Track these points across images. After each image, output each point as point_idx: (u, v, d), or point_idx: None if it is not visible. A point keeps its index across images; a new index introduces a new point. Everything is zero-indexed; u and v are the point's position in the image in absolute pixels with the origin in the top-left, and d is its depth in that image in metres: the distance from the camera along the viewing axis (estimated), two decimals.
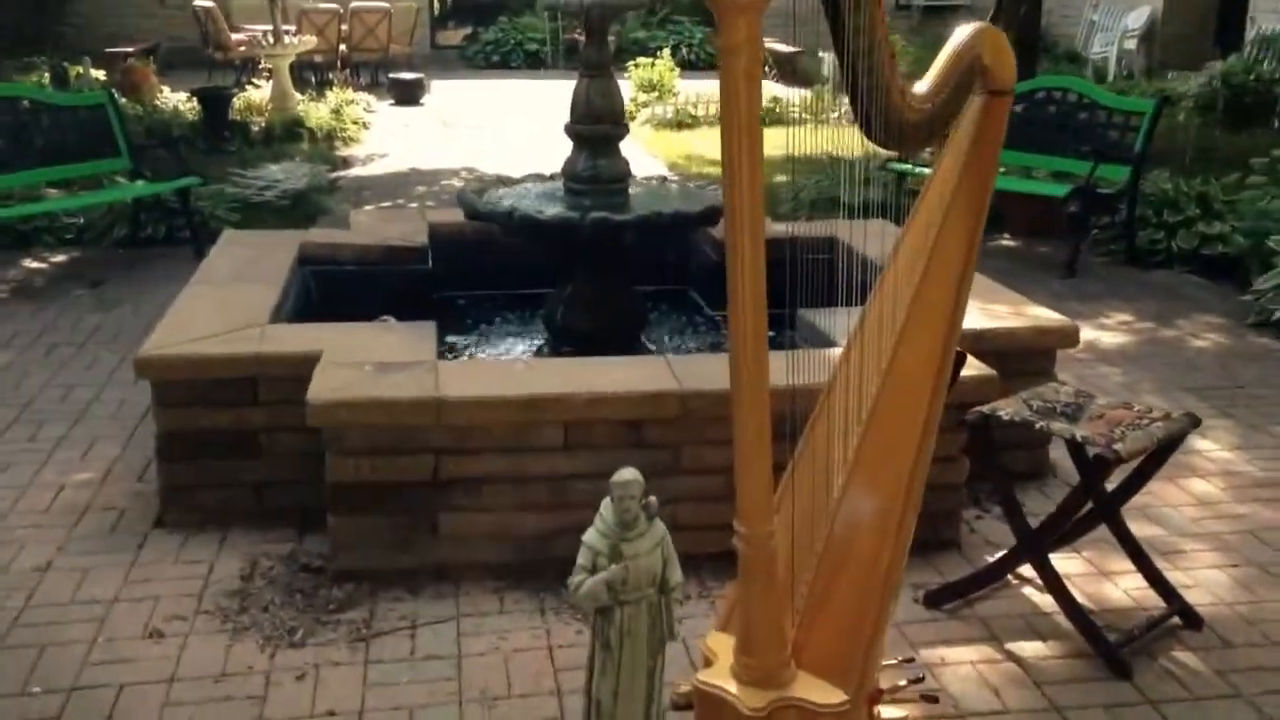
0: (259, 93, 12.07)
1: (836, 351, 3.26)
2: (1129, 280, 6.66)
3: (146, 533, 3.68)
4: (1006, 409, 3.10)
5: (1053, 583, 3.06)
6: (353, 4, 14.83)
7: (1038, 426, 3.02)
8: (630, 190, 4.53)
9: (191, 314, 3.98)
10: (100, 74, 12.24)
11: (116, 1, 16.58)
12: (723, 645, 2.41)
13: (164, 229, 7.10)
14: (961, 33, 2.76)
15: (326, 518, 3.41)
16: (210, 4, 14.29)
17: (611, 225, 4.17)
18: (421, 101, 13.89)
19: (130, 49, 13.93)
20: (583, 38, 4.51)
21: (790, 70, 15.41)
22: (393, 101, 13.73)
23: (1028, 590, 3.34)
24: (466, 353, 4.68)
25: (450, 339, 4.68)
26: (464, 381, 3.46)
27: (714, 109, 12.56)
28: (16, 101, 6.86)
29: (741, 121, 2.07)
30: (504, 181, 4.80)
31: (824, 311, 3.90)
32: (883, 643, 2.49)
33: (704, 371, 3.53)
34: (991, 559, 3.49)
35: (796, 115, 12.83)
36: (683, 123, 12.15)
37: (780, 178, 9.41)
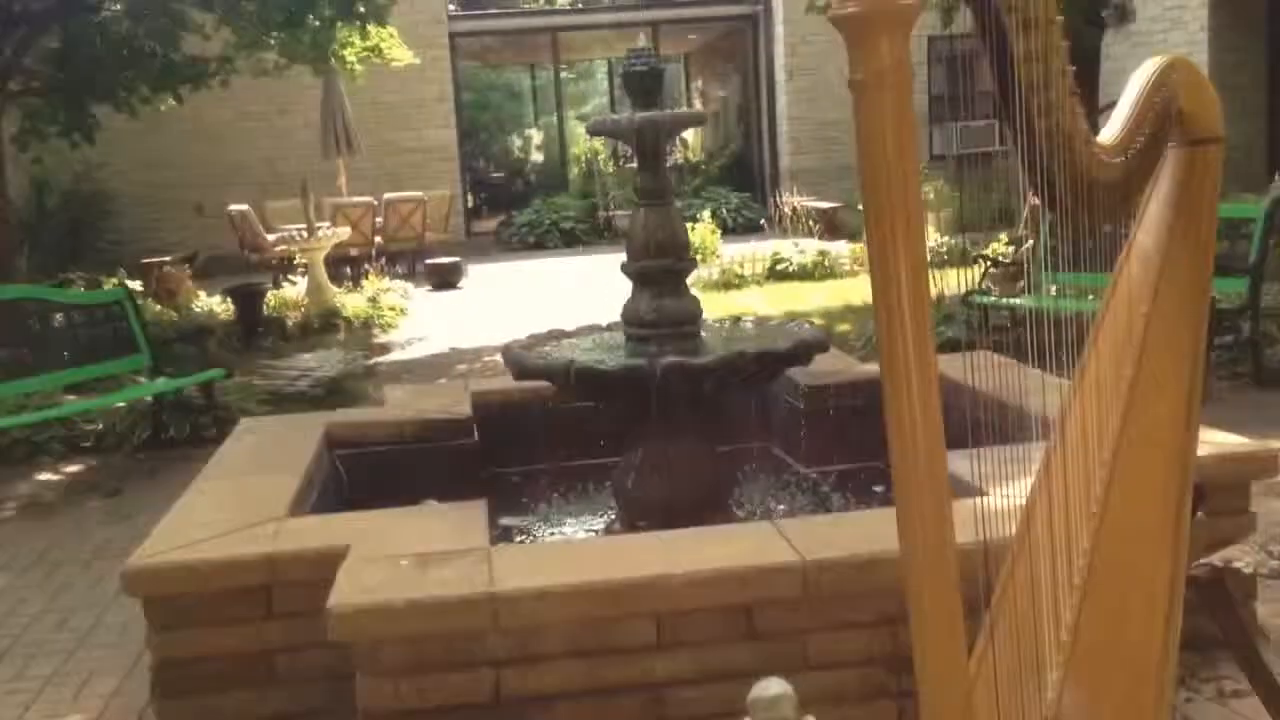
0: (294, 289, 11.77)
1: (1002, 500, 2.56)
2: (1265, 403, 5.88)
3: None
4: (1243, 559, 2.34)
5: None
6: (386, 195, 14.72)
7: None
8: (701, 334, 3.91)
9: (194, 514, 3.33)
10: (136, 284, 12.01)
11: (155, 214, 16.64)
12: None
13: (188, 427, 6.53)
14: (1146, 69, 2.14)
15: None
16: (245, 208, 14.21)
17: (689, 370, 3.52)
18: (459, 285, 13.57)
19: (167, 259, 13.79)
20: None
21: (830, 225, 15.05)
22: (430, 287, 13.41)
23: None
24: (524, 537, 3.98)
25: (504, 522, 3.98)
26: (526, 570, 2.76)
27: (760, 268, 12.12)
28: (28, 304, 6.42)
29: (890, 171, 1.47)
30: (555, 335, 4.18)
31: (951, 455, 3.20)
32: None
33: (826, 536, 2.82)
34: None
35: (847, 266, 12.39)
36: (729, 283, 11.69)
37: (843, 326, 8.85)
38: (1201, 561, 2.39)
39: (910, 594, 1.55)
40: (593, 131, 4.24)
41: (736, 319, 4.42)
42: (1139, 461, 2.03)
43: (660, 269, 3.77)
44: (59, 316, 6.51)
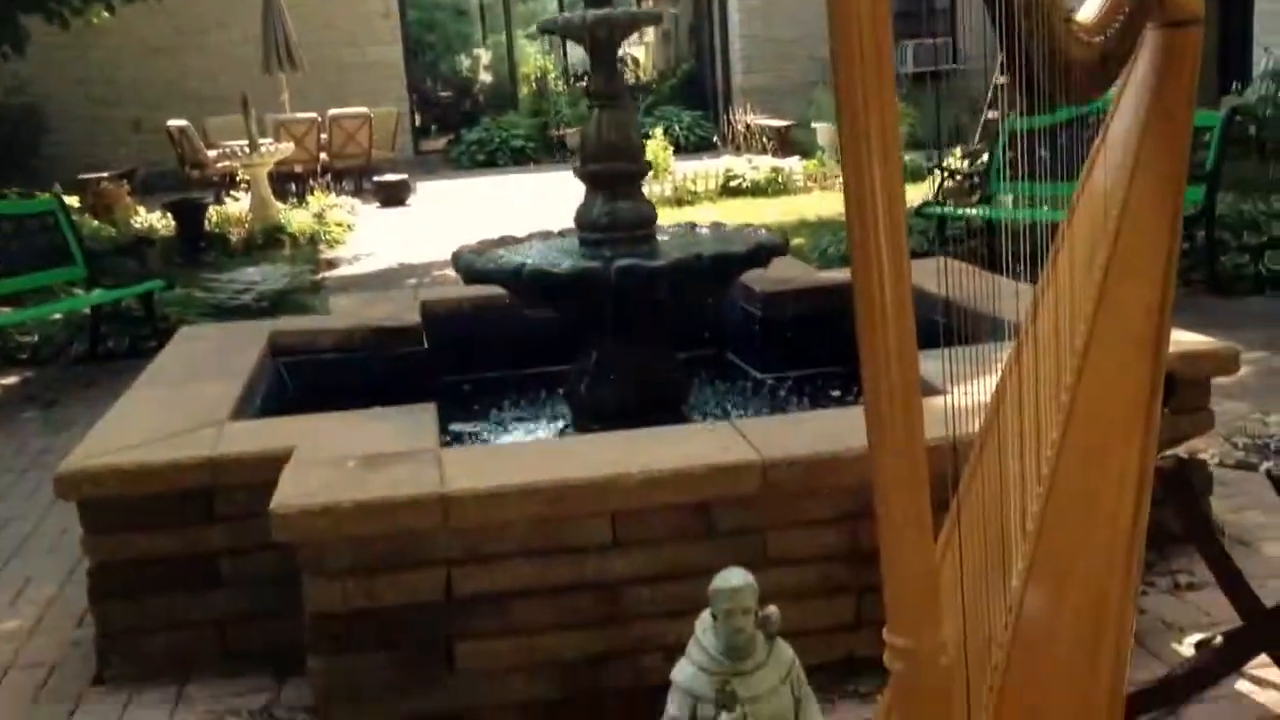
0: (237, 205, 11.48)
1: (969, 398, 2.51)
2: (1220, 309, 5.91)
3: (80, 693, 2.87)
4: (1207, 450, 2.32)
5: None
6: (331, 111, 14.35)
7: (1262, 469, 2.24)
8: (656, 238, 3.82)
9: (132, 419, 3.22)
10: (73, 200, 11.66)
11: (92, 130, 16.14)
12: None
13: (127, 340, 6.36)
14: None
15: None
16: (185, 123, 13.80)
17: (642, 273, 3.43)
18: (408, 202, 13.33)
19: (105, 175, 13.40)
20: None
21: (783, 142, 14.94)
22: (378, 204, 13.16)
23: (1244, 686, 2.52)
24: (476, 441, 3.90)
25: (455, 428, 3.90)
26: (477, 470, 2.69)
27: (714, 184, 12.01)
28: None
29: (865, 56, 1.37)
30: (506, 241, 4.07)
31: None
32: None
33: (785, 435, 2.76)
34: (1180, 646, 2.71)
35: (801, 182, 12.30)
36: (682, 199, 11.57)
37: (797, 240, 8.77)
38: (1165, 454, 2.37)
39: (878, 489, 1.49)
40: (544, 29, 4.09)
41: (692, 225, 4.32)
42: (1111, 350, 1.98)
43: (614, 172, 3.65)
44: None
